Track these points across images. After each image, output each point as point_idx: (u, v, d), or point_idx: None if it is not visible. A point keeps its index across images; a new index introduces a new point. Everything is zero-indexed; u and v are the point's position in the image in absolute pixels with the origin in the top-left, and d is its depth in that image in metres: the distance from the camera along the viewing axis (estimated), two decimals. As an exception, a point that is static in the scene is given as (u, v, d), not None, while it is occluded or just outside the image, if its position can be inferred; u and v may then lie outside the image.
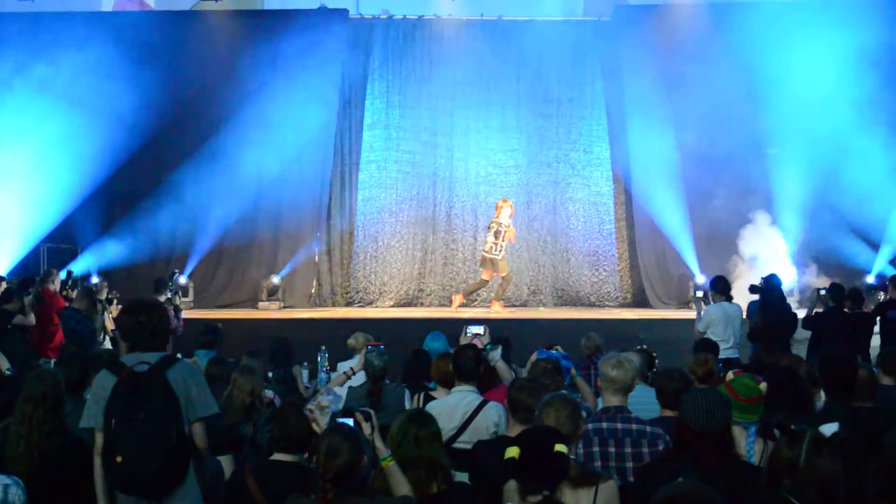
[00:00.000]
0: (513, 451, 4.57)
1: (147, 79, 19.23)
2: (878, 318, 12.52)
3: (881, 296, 14.47)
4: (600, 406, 6.87)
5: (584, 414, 5.59)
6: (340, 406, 5.55)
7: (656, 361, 9.12)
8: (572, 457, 5.27)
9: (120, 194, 20.15)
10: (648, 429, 6.01)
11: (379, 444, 5.22)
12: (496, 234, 17.92)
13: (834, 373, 6.50)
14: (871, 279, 17.99)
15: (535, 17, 21.00)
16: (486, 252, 18.05)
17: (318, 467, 4.74)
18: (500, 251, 17.97)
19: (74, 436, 5.84)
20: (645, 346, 9.50)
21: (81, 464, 5.70)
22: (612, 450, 5.97)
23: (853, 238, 18.79)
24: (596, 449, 5.97)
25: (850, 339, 11.08)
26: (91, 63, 18.91)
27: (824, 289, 13.02)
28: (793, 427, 4.38)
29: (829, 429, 4.33)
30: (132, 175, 19.95)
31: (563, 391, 6.45)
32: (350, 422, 5.18)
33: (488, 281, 18.52)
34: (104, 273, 19.22)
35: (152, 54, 19.63)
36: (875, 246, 18.67)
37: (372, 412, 5.36)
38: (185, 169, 19.99)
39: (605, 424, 6.03)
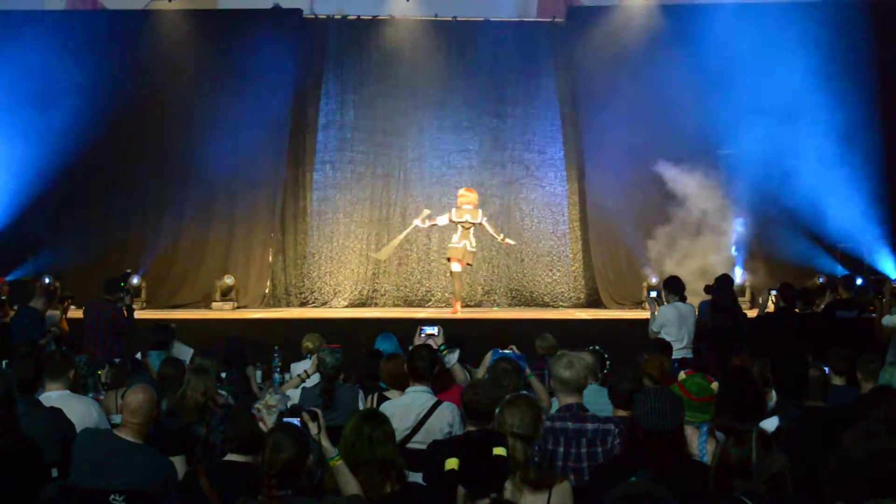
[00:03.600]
0: (452, 463, 4.58)
1: (100, 78, 19.12)
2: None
3: (829, 295, 14.59)
4: (554, 406, 6.89)
5: (543, 417, 5.60)
6: (288, 405, 5.55)
7: (608, 362, 9.13)
8: (535, 458, 5.31)
9: (72, 194, 19.95)
10: (602, 426, 6.04)
11: (326, 443, 5.24)
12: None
13: (785, 372, 6.54)
14: (822, 279, 18.12)
15: (489, 18, 21.06)
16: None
17: (263, 464, 4.74)
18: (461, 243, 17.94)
19: (27, 437, 5.80)
20: (598, 347, 9.50)
21: (33, 466, 5.67)
22: (571, 450, 6.00)
23: (804, 238, 18.92)
24: (551, 448, 5.99)
25: (801, 338, 11.15)
26: (43, 62, 18.81)
27: (775, 289, 13.10)
28: (737, 427, 4.41)
29: (770, 424, 4.36)
30: (85, 175, 19.82)
31: (524, 392, 6.47)
32: (297, 421, 5.19)
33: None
34: (56, 273, 19.09)
35: (105, 53, 19.50)
36: (827, 246, 18.82)
37: (319, 411, 5.37)
38: (138, 168, 19.96)
39: (558, 424, 6.06)
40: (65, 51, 18.99)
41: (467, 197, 18.14)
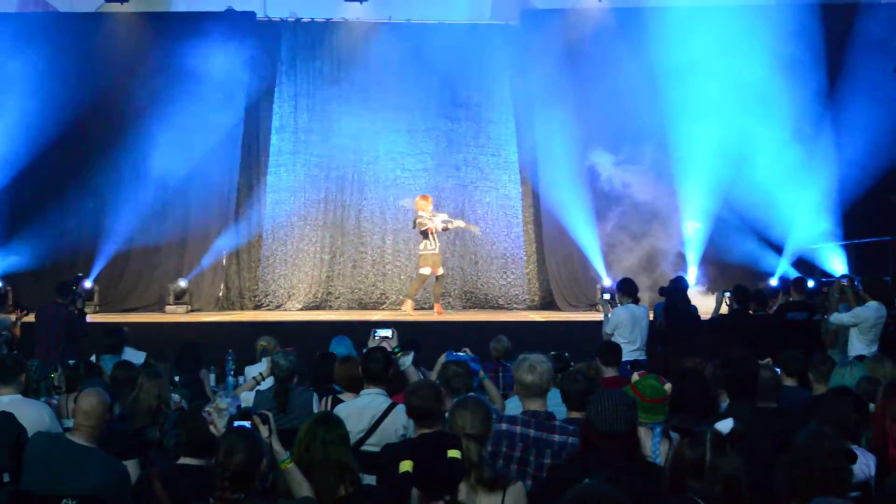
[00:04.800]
0: (406, 466, 4.57)
1: (51, 81, 19.03)
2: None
3: (781, 297, 14.68)
4: (508, 409, 6.90)
5: (493, 416, 5.60)
6: (239, 408, 5.53)
7: (572, 366, 9.11)
8: (500, 451, 5.31)
9: (23, 198, 19.87)
10: (570, 440, 6.02)
11: (277, 445, 5.23)
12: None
13: (735, 374, 6.57)
14: (774, 281, 18.25)
15: (443, 21, 21.01)
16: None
17: (216, 467, 4.73)
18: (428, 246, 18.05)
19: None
20: (566, 354, 9.55)
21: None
22: (531, 458, 5.98)
23: (757, 241, 19.06)
24: (514, 453, 5.98)
25: (754, 340, 11.22)
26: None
27: (728, 291, 13.18)
28: (692, 428, 4.44)
29: (724, 426, 4.39)
30: (36, 178, 19.70)
31: (472, 393, 6.47)
32: (247, 424, 5.18)
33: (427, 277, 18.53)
34: (7, 278, 18.96)
35: (57, 56, 19.37)
36: (778, 249, 18.96)
37: (269, 414, 5.36)
38: (91, 171, 19.82)
39: (519, 429, 6.05)
40: (16, 53, 18.86)
41: (417, 204, 18.25)
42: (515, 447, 6.00)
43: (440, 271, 18.32)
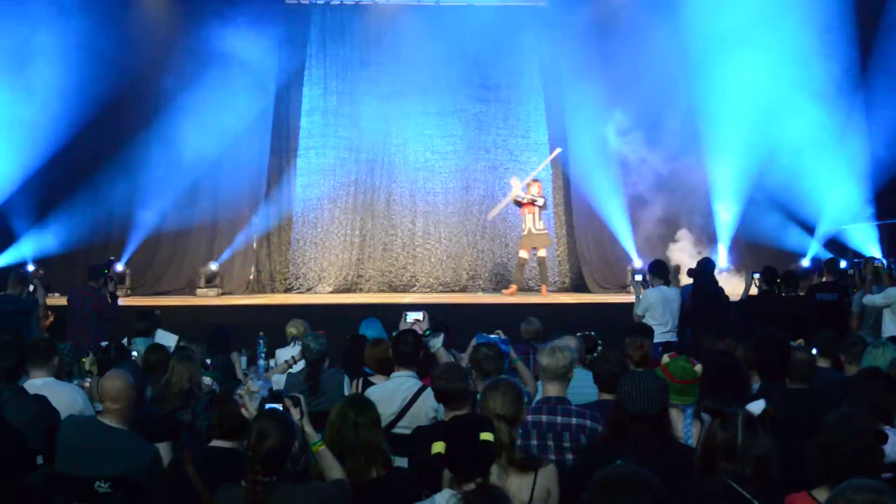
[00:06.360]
0: (439, 447, 4.57)
1: (83, 64, 19.00)
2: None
3: (816, 278, 14.62)
4: (539, 391, 6.90)
5: (525, 399, 5.60)
6: (270, 391, 5.55)
7: (599, 347, 9.12)
8: (518, 442, 5.31)
9: (56, 181, 19.84)
10: (588, 423, 6.01)
11: (308, 428, 5.23)
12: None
13: (766, 355, 6.55)
14: (806, 262, 18.17)
15: (472, 3, 20.95)
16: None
17: (248, 450, 4.74)
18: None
19: (11, 425, 5.78)
20: (592, 333, 9.54)
21: (18, 453, 5.65)
22: (551, 443, 5.98)
23: (788, 221, 18.95)
24: (534, 442, 5.98)
25: (784, 321, 11.17)
26: (26, 47, 18.68)
27: (758, 272, 13.13)
28: (724, 410, 4.43)
29: (756, 407, 4.38)
30: (68, 162, 19.69)
31: (504, 376, 6.47)
32: (279, 407, 5.19)
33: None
34: (40, 261, 19.02)
35: (89, 39, 19.33)
36: (810, 229, 18.85)
37: (301, 397, 5.37)
38: (122, 155, 19.86)
39: (544, 417, 6.04)
40: (48, 34, 18.84)
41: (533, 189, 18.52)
42: (531, 436, 6.00)
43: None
